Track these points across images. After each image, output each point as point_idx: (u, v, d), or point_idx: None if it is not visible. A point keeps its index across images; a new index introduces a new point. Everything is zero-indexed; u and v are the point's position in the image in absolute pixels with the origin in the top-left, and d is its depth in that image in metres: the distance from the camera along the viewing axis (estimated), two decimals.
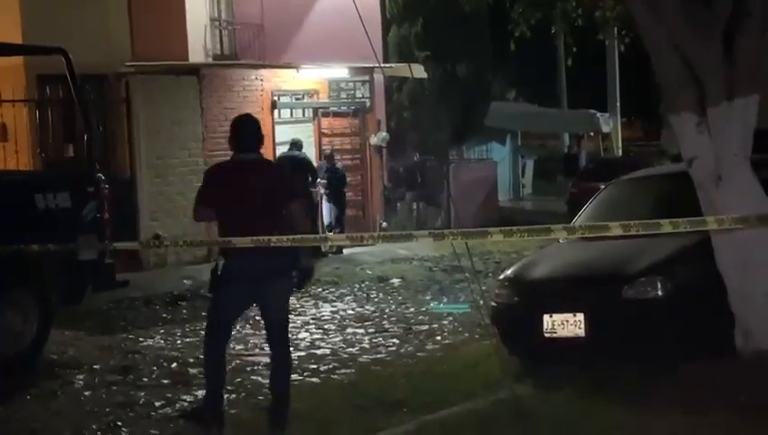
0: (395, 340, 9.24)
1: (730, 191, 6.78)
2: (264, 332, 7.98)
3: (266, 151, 15.75)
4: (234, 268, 6.10)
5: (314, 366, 8.28)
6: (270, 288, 6.13)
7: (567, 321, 7.07)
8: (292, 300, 11.63)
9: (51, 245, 6.97)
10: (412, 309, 10.89)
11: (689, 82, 6.90)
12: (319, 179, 15.94)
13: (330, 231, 15.74)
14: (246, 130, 6.23)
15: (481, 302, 9.17)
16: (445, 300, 8.50)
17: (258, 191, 6.04)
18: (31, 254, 7.31)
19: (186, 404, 7.17)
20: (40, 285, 8.47)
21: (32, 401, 7.33)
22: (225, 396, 7.26)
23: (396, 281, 12.67)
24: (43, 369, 8.24)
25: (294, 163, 15.31)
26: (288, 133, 16.81)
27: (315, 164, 16.11)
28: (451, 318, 10.24)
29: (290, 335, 6.45)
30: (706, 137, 6.89)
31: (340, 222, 16.12)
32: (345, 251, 15.61)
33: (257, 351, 9.00)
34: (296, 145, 15.60)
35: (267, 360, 8.46)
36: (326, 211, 16.25)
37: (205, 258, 14.70)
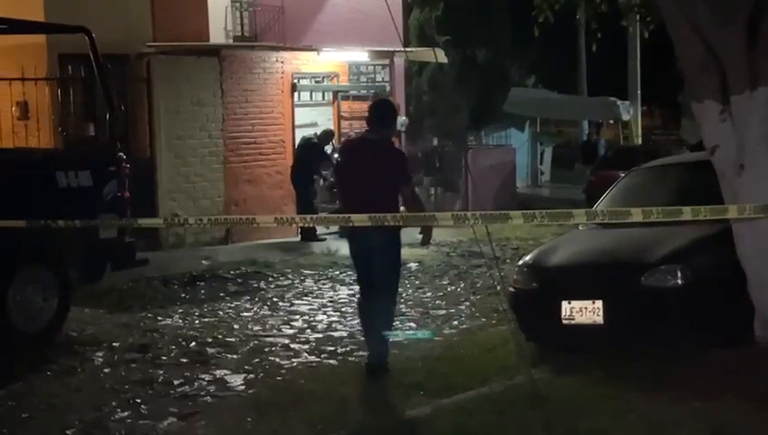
0: (412, 323, 9.27)
1: (752, 180, 6.75)
2: (280, 313, 9.80)
3: (285, 133, 16.04)
4: (350, 238, 7.15)
5: (332, 348, 8.32)
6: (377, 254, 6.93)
7: (585, 308, 7.08)
8: (310, 282, 11.78)
9: (71, 222, 7.02)
10: (429, 293, 10.91)
11: (712, 68, 6.85)
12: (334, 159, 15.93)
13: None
14: (374, 112, 7.13)
15: (498, 287, 9.18)
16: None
17: (367, 168, 6.83)
18: (51, 231, 7.36)
19: (204, 383, 7.22)
20: (60, 263, 8.54)
21: (51, 378, 7.41)
22: (243, 376, 7.34)
23: (413, 265, 12.71)
24: (62, 346, 8.31)
25: (302, 148, 15.36)
26: (308, 116, 16.84)
27: (332, 147, 16.08)
28: (468, 303, 10.26)
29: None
30: (729, 125, 6.85)
31: None
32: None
33: (275, 332, 9.05)
34: (324, 134, 15.65)
35: (285, 341, 8.58)
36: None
37: (223, 240, 14.78)
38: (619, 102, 23.57)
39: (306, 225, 13.47)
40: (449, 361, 7.52)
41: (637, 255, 7.16)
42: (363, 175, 6.86)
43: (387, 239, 6.84)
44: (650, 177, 8.77)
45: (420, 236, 7.33)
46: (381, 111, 7.19)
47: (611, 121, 24.86)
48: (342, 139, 16.62)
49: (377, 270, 7.02)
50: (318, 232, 15.36)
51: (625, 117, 23.81)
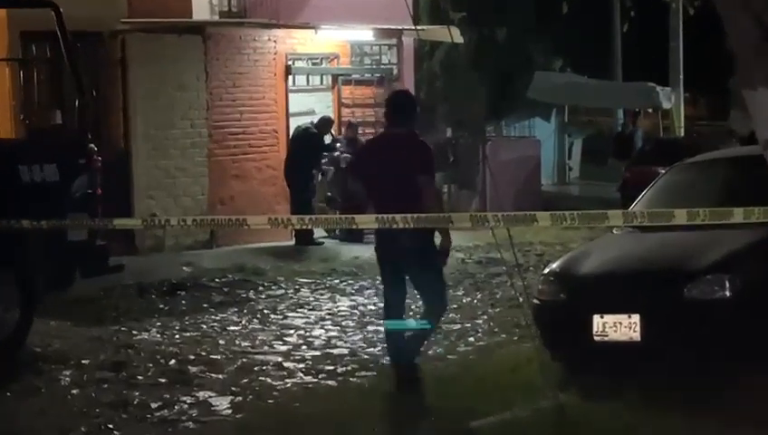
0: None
1: None
2: (272, 327, 9.92)
3: (278, 123, 16.04)
4: (378, 244, 7.40)
5: (331, 367, 8.32)
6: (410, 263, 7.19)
7: (620, 323, 7.07)
8: (306, 292, 11.78)
9: (36, 222, 7.02)
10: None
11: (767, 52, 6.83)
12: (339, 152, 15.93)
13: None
14: (394, 105, 7.39)
15: (521, 299, 9.18)
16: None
17: (395, 167, 7.08)
18: (13, 233, 7.36)
19: (185, 406, 7.22)
20: (23, 268, 8.53)
21: (11, 399, 7.40)
22: (230, 398, 7.34)
23: None
24: (24, 363, 8.30)
25: (298, 139, 15.36)
26: (304, 103, 16.84)
27: (330, 138, 16.08)
28: (486, 316, 10.25)
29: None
30: None
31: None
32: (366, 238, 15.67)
33: (266, 348, 9.05)
34: (321, 122, 15.65)
35: (277, 359, 8.58)
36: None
37: (207, 243, 14.80)
38: (658, 89, 23.52)
39: (303, 226, 13.48)
40: (465, 382, 7.51)
41: (679, 262, 7.15)
42: (390, 175, 7.12)
43: (420, 241, 7.02)
44: (695, 173, 8.75)
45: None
46: (401, 101, 7.51)
47: (650, 110, 24.80)
48: (343, 128, 16.65)
49: (418, 282, 7.29)
50: (315, 235, 15.37)
51: (665, 105, 23.77)
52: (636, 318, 7.04)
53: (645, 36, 26.61)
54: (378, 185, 7.20)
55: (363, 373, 8.11)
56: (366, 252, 14.50)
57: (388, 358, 7.69)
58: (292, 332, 9.77)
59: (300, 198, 15.22)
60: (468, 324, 9.91)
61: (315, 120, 15.86)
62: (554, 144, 27.62)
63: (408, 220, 5.63)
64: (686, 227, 6.68)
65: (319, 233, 15.50)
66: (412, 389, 7.19)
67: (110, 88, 14.49)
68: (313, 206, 15.44)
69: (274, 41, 16.08)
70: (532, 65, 24.82)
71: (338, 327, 9.95)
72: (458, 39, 18.24)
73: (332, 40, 17.03)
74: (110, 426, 6.77)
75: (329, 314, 10.64)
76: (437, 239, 7.33)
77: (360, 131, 16.64)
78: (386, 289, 7.50)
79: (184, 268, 13.04)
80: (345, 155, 15.94)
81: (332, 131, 16.28)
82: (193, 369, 8.27)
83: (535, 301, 7.83)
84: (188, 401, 7.35)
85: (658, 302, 7.06)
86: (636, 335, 7.04)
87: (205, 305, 11.02)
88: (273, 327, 10.01)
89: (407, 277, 7.35)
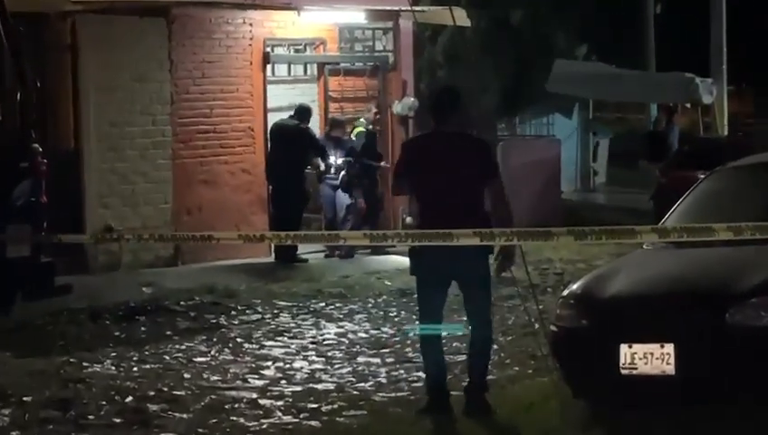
0: (420, 373, 9.25)
1: None
2: (246, 359, 10.03)
3: (254, 119, 16.05)
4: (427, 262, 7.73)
5: (314, 405, 8.30)
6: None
7: (652, 353, 7.07)
8: (286, 317, 11.78)
9: None
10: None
11: None
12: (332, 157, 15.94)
13: (337, 226, 15.74)
14: (441, 101, 7.95)
15: (536, 326, 9.19)
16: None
17: (450, 167, 7.66)
18: None
19: None
20: None
21: None
22: None
23: None
24: None
25: (284, 134, 15.34)
26: (284, 96, 16.85)
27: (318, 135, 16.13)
28: (496, 346, 10.25)
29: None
30: None
31: (354, 213, 16.02)
32: (357, 255, 15.68)
33: (238, 383, 9.05)
34: (299, 113, 15.63)
35: (252, 395, 8.57)
36: (331, 200, 16.23)
37: (170, 260, 14.79)
38: (698, 80, 23.57)
39: (283, 242, 13.49)
40: (472, 422, 7.51)
41: (720, 284, 7.16)
42: (442, 178, 7.67)
43: (476, 254, 7.48)
44: (740, 180, 8.78)
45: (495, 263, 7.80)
46: (448, 97, 8.04)
47: (688, 105, 24.89)
48: (327, 125, 16.64)
49: (473, 296, 7.86)
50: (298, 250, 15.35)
51: (706, 99, 23.82)
52: (670, 348, 7.04)
53: (682, 19, 26.71)
54: (433, 189, 7.72)
55: (352, 412, 8.09)
56: (355, 272, 14.54)
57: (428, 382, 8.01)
58: (269, 364, 9.75)
59: (286, 206, 15.16)
60: None
61: (293, 113, 15.72)
62: (577, 144, 27.66)
63: (402, 236, 5.64)
64: (728, 242, 6.69)
65: (303, 248, 15.47)
66: (483, 412, 7.72)
67: (57, 78, 14.47)
68: (300, 218, 15.41)
69: (250, 24, 16.10)
70: (552, 52, 24.86)
71: (323, 359, 9.93)
72: (464, 22, 18.25)
73: (318, 23, 17.04)
74: None
75: (312, 342, 10.61)
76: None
77: (348, 130, 16.60)
78: (430, 307, 7.96)
79: (144, 289, 13.01)
80: (383, 163, 16.01)
81: (331, 130, 16.28)
82: (153, 407, 8.23)
83: (553, 328, 7.82)
84: None
85: (696, 329, 7.05)
86: (670, 368, 7.04)
87: (168, 333, 11.00)
88: (248, 358, 9.99)
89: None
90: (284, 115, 16.00)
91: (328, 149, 15.93)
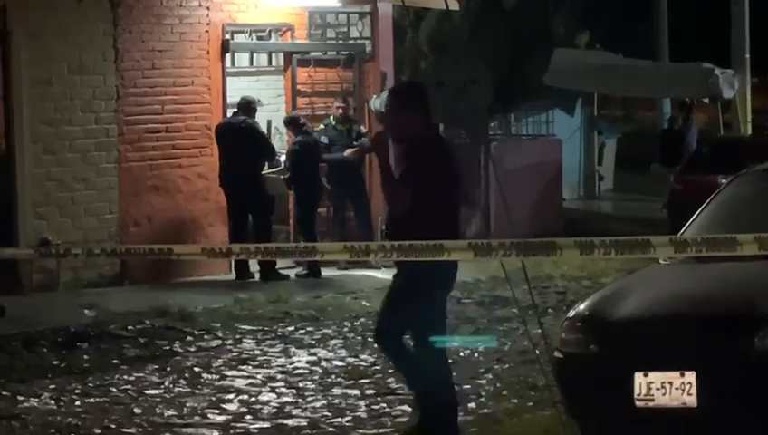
0: (405, 407, 9.30)
1: None
2: (205, 391, 10.10)
3: (211, 117, 16.08)
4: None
5: None
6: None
7: (670, 383, 7.13)
8: (250, 343, 11.80)
9: None
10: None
11: None
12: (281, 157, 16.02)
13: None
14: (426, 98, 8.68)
15: (537, 352, 9.23)
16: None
17: (453, 173, 8.41)
18: None
19: None
20: None
21: None
22: None
23: None
24: None
25: (235, 133, 15.35)
26: (247, 90, 16.86)
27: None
28: (490, 376, 10.30)
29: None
30: None
31: (308, 223, 16.00)
32: (327, 272, 15.70)
33: (197, 419, 9.07)
34: (243, 108, 15.64)
35: (213, 432, 8.59)
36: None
37: (116, 278, 14.79)
38: (717, 72, 23.69)
39: (252, 258, 13.50)
40: None
41: (747, 303, 7.22)
42: (451, 183, 8.40)
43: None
44: (766, 185, 8.82)
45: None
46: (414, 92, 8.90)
47: (706, 100, 25.00)
48: (302, 124, 16.67)
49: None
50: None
51: (727, 94, 23.92)
52: (690, 376, 7.10)
53: (699, 1, 26.83)
54: (434, 193, 8.09)
55: None
56: (327, 292, 14.53)
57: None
58: (232, 396, 9.78)
59: (245, 215, 15.20)
60: (468, 386, 9.91)
61: (236, 109, 15.73)
62: (580, 145, 27.74)
63: (388, 249, 5.68)
64: (755, 256, 6.74)
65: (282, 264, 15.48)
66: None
67: None
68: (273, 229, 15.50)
69: (207, 7, 16.12)
70: (551, 40, 24.94)
71: (293, 390, 9.96)
72: (452, 5, 18.31)
73: (285, 6, 17.09)
74: None
75: (281, 372, 10.64)
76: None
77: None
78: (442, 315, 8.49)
79: (86, 312, 13.02)
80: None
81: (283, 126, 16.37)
82: None
83: (557, 354, 7.86)
84: None
85: (721, 355, 7.12)
86: (691, 399, 7.10)
87: (114, 362, 11.01)
88: (207, 390, 10.01)
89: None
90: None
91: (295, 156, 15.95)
